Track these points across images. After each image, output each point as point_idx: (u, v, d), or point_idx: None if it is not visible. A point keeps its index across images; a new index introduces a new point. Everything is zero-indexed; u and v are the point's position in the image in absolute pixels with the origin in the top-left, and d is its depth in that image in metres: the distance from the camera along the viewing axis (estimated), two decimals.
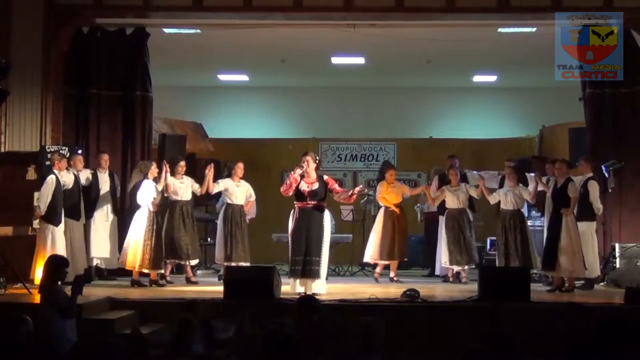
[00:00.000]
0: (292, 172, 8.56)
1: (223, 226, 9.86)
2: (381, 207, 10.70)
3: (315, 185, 8.51)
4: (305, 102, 15.74)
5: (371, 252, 10.58)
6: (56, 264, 6.53)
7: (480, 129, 15.35)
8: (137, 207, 9.57)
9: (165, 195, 9.87)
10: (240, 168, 10.04)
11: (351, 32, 11.19)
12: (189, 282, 9.95)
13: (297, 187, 8.51)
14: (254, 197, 10.17)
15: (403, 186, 11.05)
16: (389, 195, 10.61)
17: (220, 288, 8.18)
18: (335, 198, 8.85)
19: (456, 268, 10.32)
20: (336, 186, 8.66)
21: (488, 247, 11.44)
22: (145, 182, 9.55)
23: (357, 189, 8.82)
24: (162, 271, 9.73)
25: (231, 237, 9.77)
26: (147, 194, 9.46)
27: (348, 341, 4.93)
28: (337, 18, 10.85)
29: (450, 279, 10.39)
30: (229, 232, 9.79)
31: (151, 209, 9.42)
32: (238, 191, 9.96)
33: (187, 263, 9.99)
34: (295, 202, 8.64)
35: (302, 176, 8.56)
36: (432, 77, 14.99)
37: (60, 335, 5.95)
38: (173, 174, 9.90)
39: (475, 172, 11.00)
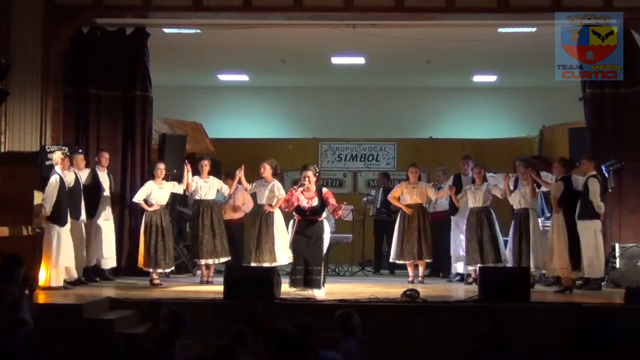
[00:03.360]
0: (293, 190, 8.64)
1: (253, 226, 9.82)
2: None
3: (315, 202, 8.59)
4: (305, 102, 15.75)
5: (392, 253, 10.56)
6: (7, 264, 6.44)
7: (480, 129, 15.35)
8: (138, 207, 9.63)
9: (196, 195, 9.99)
10: (267, 168, 9.93)
11: (351, 32, 11.19)
12: (202, 282, 9.88)
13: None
14: (283, 194, 9.67)
15: (428, 188, 10.60)
16: (404, 195, 10.45)
17: (220, 288, 8.17)
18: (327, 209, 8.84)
19: (470, 268, 10.11)
20: (331, 200, 8.64)
21: None
22: (147, 182, 9.78)
23: (342, 206, 8.90)
24: (161, 270, 9.73)
25: (260, 238, 9.69)
26: (139, 193, 9.72)
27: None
28: (337, 18, 10.85)
29: (471, 280, 10.03)
30: (258, 234, 9.70)
31: (147, 209, 9.61)
32: (265, 191, 9.85)
33: (204, 262, 9.91)
34: (294, 214, 8.75)
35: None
36: (432, 77, 14.99)
37: None
38: (198, 173, 9.96)
39: (492, 173, 10.79)
